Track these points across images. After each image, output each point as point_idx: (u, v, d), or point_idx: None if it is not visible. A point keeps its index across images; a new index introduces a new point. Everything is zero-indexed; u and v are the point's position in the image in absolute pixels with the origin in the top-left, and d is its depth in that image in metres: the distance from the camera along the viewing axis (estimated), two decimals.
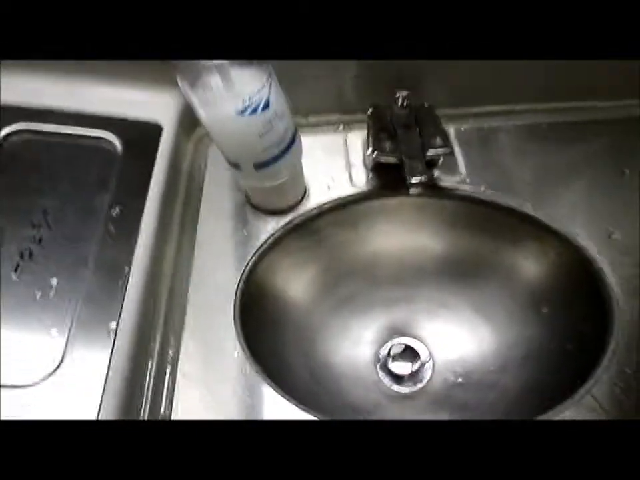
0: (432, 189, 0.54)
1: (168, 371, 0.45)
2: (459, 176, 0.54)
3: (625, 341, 0.44)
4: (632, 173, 0.53)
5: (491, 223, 0.54)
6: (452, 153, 0.50)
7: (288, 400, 0.43)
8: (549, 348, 0.51)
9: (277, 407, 0.43)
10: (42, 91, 0.52)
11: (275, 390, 0.44)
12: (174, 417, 0.42)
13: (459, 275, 0.58)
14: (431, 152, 0.49)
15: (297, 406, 0.43)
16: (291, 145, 0.46)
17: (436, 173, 0.55)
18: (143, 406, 0.42)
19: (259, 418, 0.43)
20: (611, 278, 0.47)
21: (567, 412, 0.41)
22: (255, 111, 0.41)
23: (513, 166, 0.55)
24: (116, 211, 0.47)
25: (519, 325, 0.55)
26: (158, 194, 0.49)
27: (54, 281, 0.43)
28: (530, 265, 0.54)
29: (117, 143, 0.51)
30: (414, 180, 0.47)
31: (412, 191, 0.47)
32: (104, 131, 0.51)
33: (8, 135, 0.51)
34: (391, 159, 0.50)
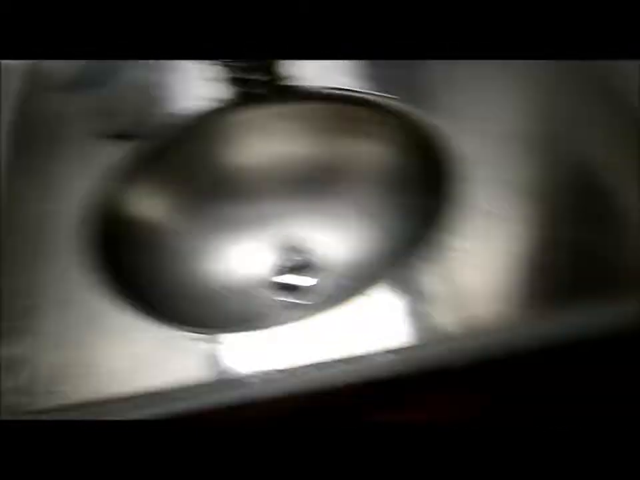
0: (284, 92, 0.53)
1: None
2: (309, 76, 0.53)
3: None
4: None
5: (346, 120, 0.54)
6: None
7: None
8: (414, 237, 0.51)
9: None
10: None
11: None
12: None
13: (330, 179, 0.57)
14: None
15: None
16: None
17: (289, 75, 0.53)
18: None
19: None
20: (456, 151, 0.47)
21: None
22: None
23: None
24: None
25: (392, 217, 0.55)
26: None
27: None
28: (392, 155, 0.54)
29: None
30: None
31: (248, 89, 0.45)
32: None
33: None
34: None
